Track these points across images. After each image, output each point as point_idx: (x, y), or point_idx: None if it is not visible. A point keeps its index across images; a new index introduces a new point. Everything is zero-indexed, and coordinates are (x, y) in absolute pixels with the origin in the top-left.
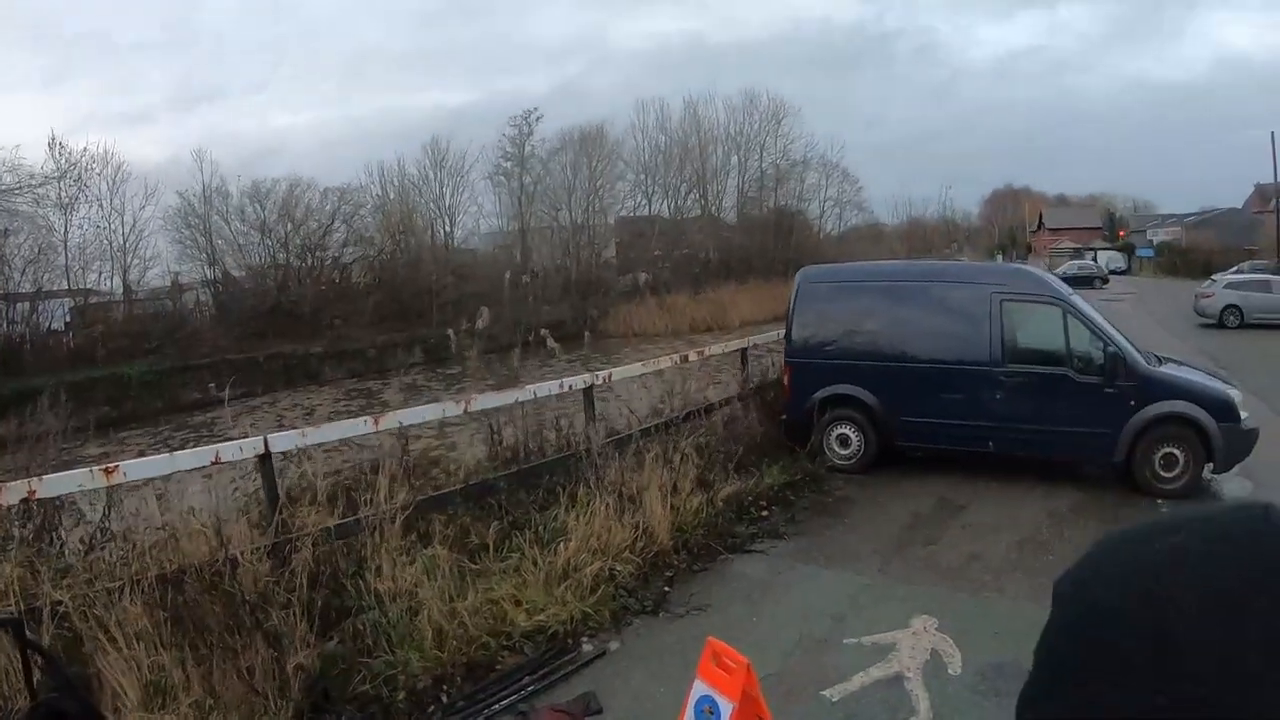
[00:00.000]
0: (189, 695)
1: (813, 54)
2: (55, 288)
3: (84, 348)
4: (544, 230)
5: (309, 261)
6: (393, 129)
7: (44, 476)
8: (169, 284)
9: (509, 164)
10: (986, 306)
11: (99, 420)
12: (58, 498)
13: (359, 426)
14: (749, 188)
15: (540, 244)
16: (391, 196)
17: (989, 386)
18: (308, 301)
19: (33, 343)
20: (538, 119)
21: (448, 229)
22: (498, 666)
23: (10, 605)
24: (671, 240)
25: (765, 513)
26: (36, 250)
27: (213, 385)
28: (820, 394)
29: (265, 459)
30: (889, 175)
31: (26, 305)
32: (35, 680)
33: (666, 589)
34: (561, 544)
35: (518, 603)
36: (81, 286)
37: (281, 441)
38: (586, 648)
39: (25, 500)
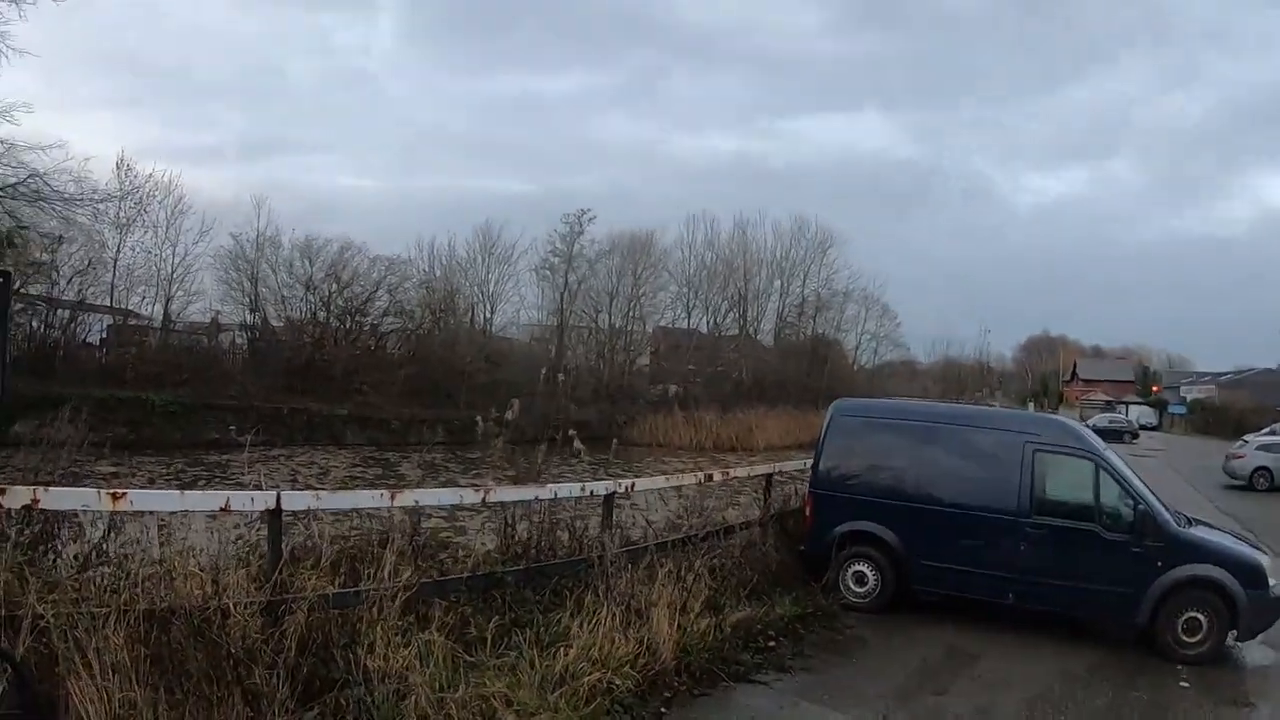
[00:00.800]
0: None
1: (865, 185)
2: (98, 303)
3: (114, 366)
4: (582, 329)
5: (348, 324)
6: (446, 208)
7: (50, 488)
8: (209, 321)
9: (556, 259)
10: (1018, 455)
11: (116, 440)
12: (60, 511)
13: (375, 499)
14: (789, 313)
15: (577, 342)
16: (438, 274)
17: (1013, 536)
18: (341, 363)
19: (66, 352)
20: (590, 219)
21: (488, 314)
22: None
23: None
24: (706, 356)
25: (773, 643)
26: (86, 263)
27: (233, 428)
28: (841, 528)
29: (275, 514)
30: (927, 310)
31: (67, 314)
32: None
33: (663, 710)
34: (562, 648)
35: (509, 702)
36: (123, 307)
37: (295, 500)
38: None
39: (28, 507)
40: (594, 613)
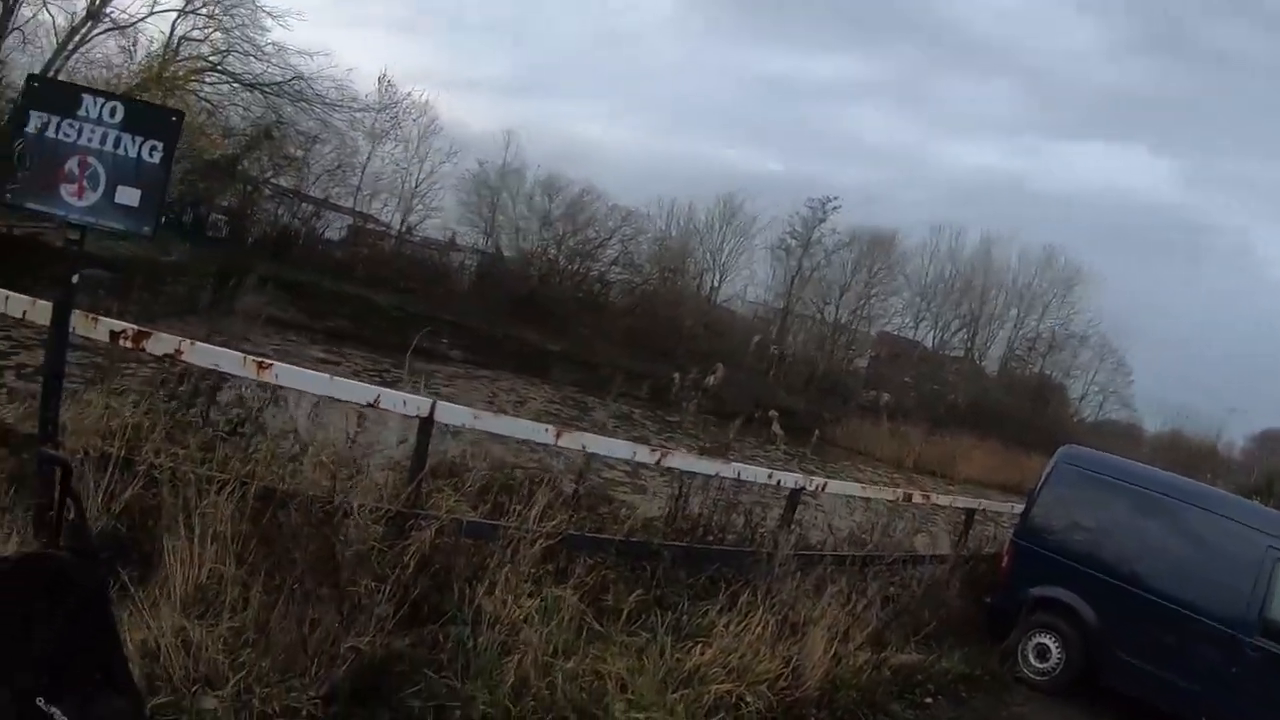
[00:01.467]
0: (234, 618)
1: (1121, 225)
2: (341, 204)
3: (347, 263)
4: (805, 318)
5: (576, 266)
6: (691, 172)
7: (197, 343)
8: (444, 239)
9: (793, 242)
10: (1257, 557)
11: (333, 330)
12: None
13: (538, 432)
14: (1019, 345)
15: (798, 330)
16: (673, 234)
17: (1229, 653)
18: (563, 302)
19: (305, 242)
20: (834, 208)
21: (715, 283)
22: None
23: (115, 446)
24: (925, 371)
25: (930, 699)
26: (336, 164)
27: (446, 342)
28: (1037, 590)
29: (427, 423)
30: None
31: (311, 208)
32: (62, 532)
33: None
34: (700, 645)
35: (624, 688)
36: (364, 211)
37: (450, 413)
38: None
39: (171, 356)
40: (746, 615)
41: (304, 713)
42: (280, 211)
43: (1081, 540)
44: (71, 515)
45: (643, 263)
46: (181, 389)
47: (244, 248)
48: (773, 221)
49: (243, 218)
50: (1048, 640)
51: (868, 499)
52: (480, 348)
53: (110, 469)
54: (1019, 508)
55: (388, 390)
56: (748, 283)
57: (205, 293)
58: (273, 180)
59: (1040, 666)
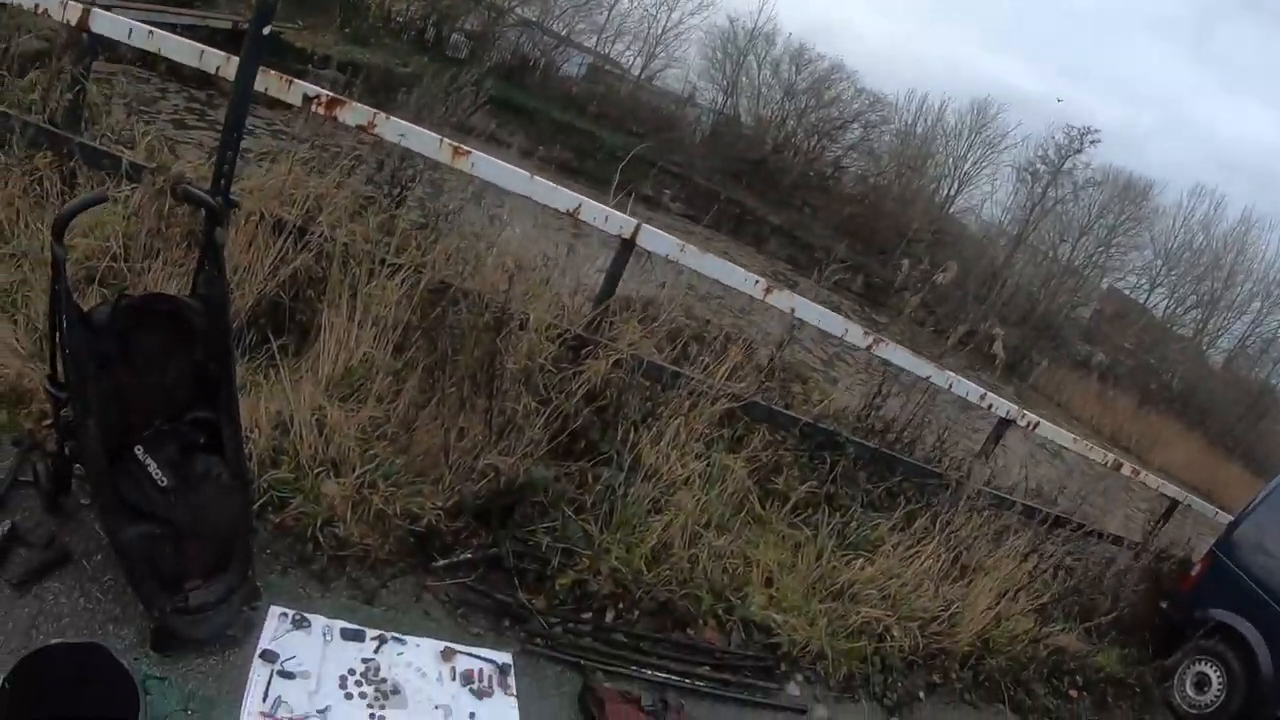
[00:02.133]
0: (377, 408)
1: None
2: (582, 42)
3: (581, 99)
4: (1037, 251)
5: (811, 144)
6: (949, 72)
7: (391, 118)
8: (681, 92)
9: (1042, 167)
10: None
11: (555, 160)
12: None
13: (748, 283)
14: (1253, 342)
15: (1027, 261)
16: (918, 131)
17: None
18: (792, 176)
19: (543, 73)
20: (1092, 141)
21: (952, 191)
22: (688, 629)
23: (292, 213)
24: (1147, 342)
25: (1074, 693)
26: (584, 2)
27: (668, 193)
28: (1219, 614)
29: (627, 246)
30: None
31: (552, 41)
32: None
33: (922, 696)
34: (862, 560)
35: (769, 582)
36: (605, 53)
37: (656, 241)
38: (793, 691)
39: (363, 128)
40: (918, 541)
41: (425, 520)
42: (521, 40)
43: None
44: (207, 267)
45: (880, 154)
46: (374, 170)
47: (481, 69)
48: (1024, 141)
49: (483, 41)
50: (1211, 671)
51: (1064, 455)
52: (700, 204)
53: (283, 235)
54: (1225, 516)
55: (591, 202)
56: (986, 199)
57: (435, 101)
58: (517, 9)
59: (1195, 698)
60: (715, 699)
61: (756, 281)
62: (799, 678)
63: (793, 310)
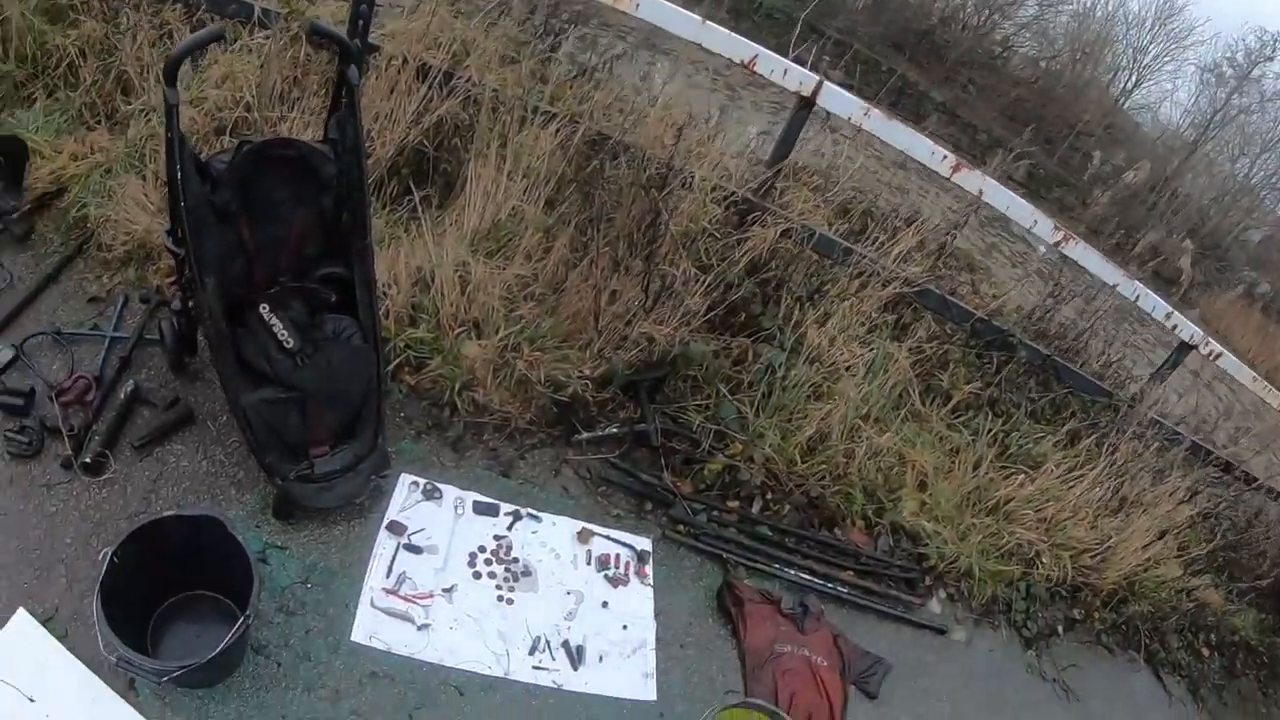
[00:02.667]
0: (525, 266)
1: None
2: None
3: None
4: (1210, 160)
5: (982, 19)
6: None
7: None
8: None
9: (1229, 71)
10: None
11: (707, 18)
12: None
13: (935, 157)
14: None
15: (1199, 171)
16: (1098, 14)
17: None
18: (958, 50)
19: None
20: None
21: (1128, 85)
22: (835, 529)
23: (439, 57)
24: None
25: (1206, 652)
26: None
27: (826, 59)
28: None
29: (805, 104)
30: None
31: None
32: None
33: (1057, 635)
34: (1022, 475)
35: (923, 486)
36: None
37: (839, 101)
38: (934, 608)
39: None
40: (1080, 464)
41: (570, 390)
42: None
43: None
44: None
45: (1055, 36)
46: (526, 14)
47: None
48: (1214, 39)
49: None
50: None
51: (1215, 387)
52: (860, 74)
53: (428, 81)
54: None
55: (769, 52)
56: (1164, 99)
57: None
58: None
59: None
60: (856, 608)
61: (945, 157)
62: (941, 594)
63: (980, 193)
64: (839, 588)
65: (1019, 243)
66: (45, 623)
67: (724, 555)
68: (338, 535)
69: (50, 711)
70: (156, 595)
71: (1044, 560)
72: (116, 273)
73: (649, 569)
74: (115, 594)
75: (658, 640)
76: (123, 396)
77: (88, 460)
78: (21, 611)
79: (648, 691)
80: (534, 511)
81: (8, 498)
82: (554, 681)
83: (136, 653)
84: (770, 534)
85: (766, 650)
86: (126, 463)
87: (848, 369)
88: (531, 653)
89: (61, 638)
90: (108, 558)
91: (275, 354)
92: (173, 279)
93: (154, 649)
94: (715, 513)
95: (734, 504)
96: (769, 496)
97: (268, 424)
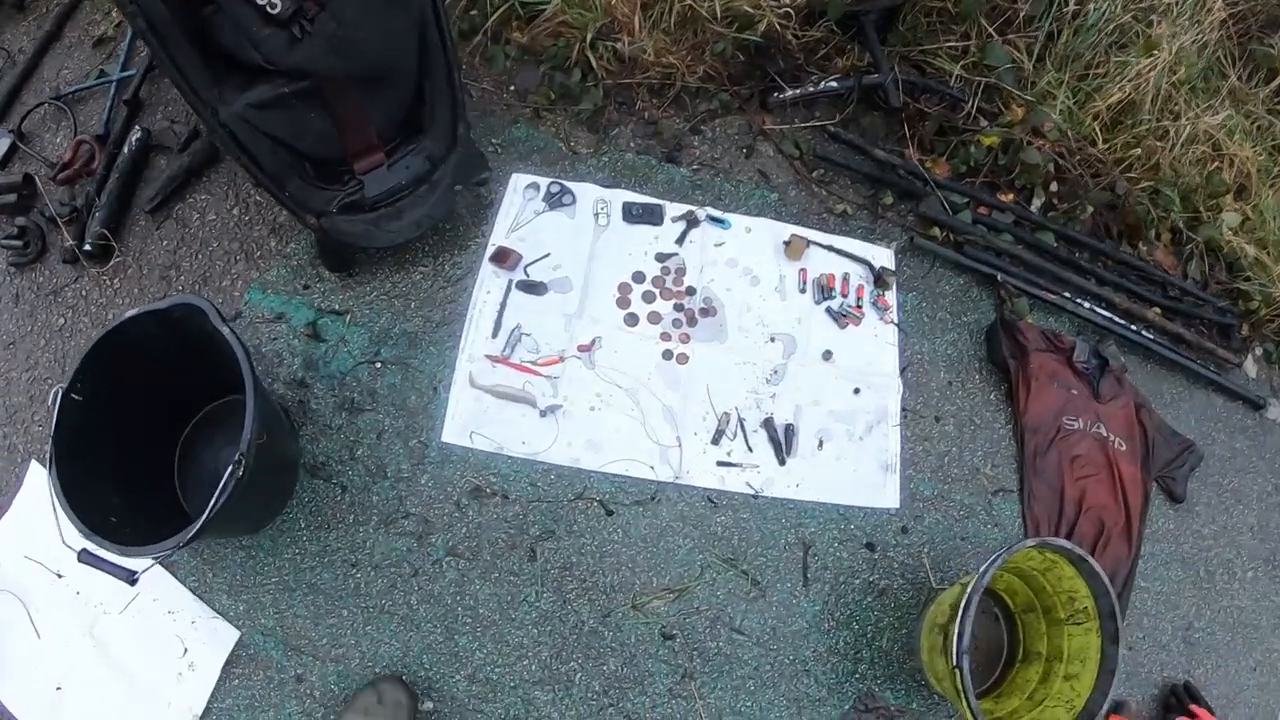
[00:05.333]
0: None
1: None
2: None
3: None
4: None
5: None
6: None
7: None
8: None
9: None
10: None
11: None
12: None
13: None
14: None
15: None
16: None
17: None
18: None
19: None
20: None
21: None
22: (1137, 244)
23: None
24: None
25: None
26: None
27: None
28: None
29: None
30: None
31: None
32: None
33: None
34: None
35: (1240, 192)
36: None
37: None
38: (1249, 370)
39: None
40: None
41: (762, 26)
42: None
43: None
44: None
45: None
46: None
47: None
48: None
49: None
50: None
51: None
52: None
53: None
54: None
55: None
56: None
57: None
58: None
59: None
60: (1161, 363)
61: None
62: (1258, 352)
63: None
64: (1144, 331)
65: None
66: None
67: (1000, 278)
68: (418, 282)
69: (80, 588)
70: (164, 423)
71: None
72: None
73: (891, 297)
74: (94, 443)
75: (903, 411)
76: (127, 151)
77: (89, 247)
78: (35, 466)
79: (887, 494)
80: (716, 213)
81: (13, 319)
82: (749, 484)
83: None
84: (1058, 243)
85: (1052, 425)
86: (140, 235)
87: (1164, 11)
88: (716, 440)
89: None
90: (56, 400)
91: (259, 30)
92: None
93: (185, 492)
94: (983, 210)
95: (1006, 196)
96: (1054, 188)
97: (272, 140)
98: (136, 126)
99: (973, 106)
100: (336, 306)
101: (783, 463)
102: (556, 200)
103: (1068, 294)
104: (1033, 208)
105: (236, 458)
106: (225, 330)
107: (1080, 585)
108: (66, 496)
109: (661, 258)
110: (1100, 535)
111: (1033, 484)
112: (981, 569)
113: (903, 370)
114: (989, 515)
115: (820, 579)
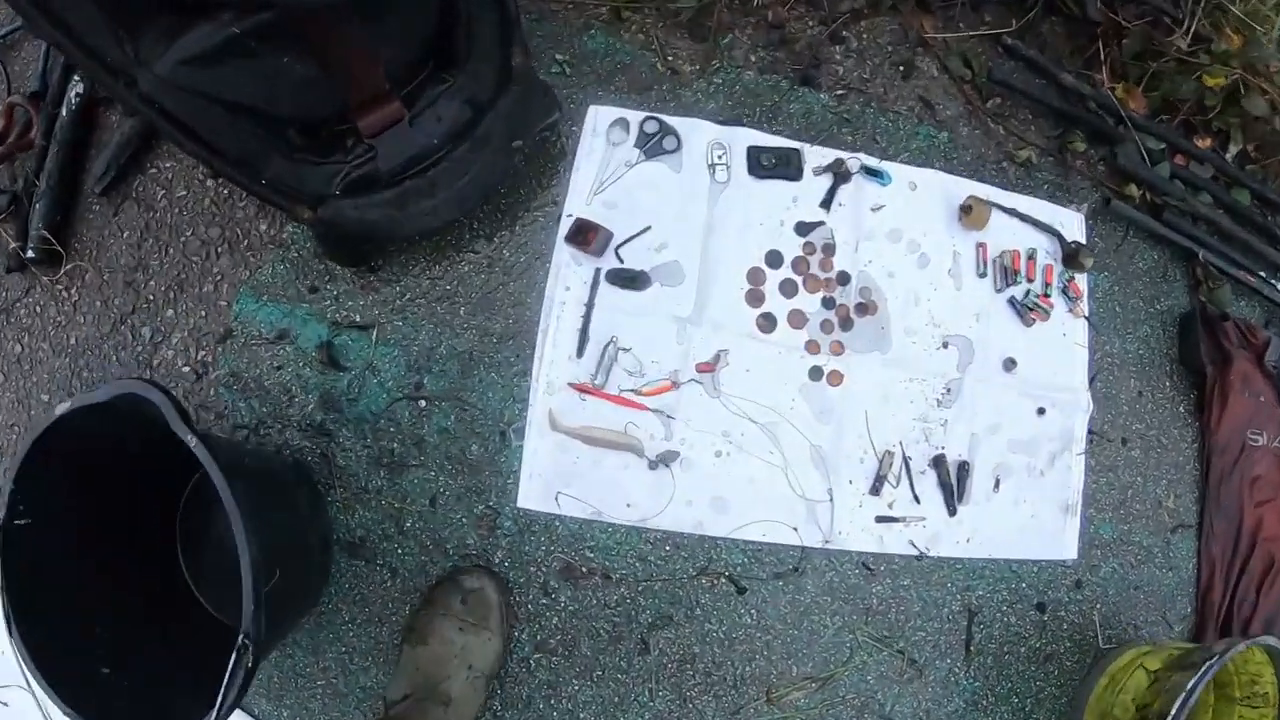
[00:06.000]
0: None
1: None
2: None
3: None
4: None
5: None
6: None
7: None
8: None
9: None
10: None
11: None
12: None
13: None
14: None
15: None
16: None
17: None
18: None
19: None
20: None
21: None
22: None
23: None
24: None
25: None
26: None
27: None
28: None
29: None
30: None
31: None
32: None
33: None
34: None
35: None
36: None
37: None
38: None
39: None
40: None
41: None
42: None
43: None
44: None
45: None
46: None
47: None
48: None
49: None
50: None
51: None
52: None
53: None
54: None
55: None
56: None
57: None
58: None
59: None
60: None
61: None
62: None
63: None
64: None
65: None
66: None
67: (1199, 253)
68: (467, 277)
69: None
70: (151, 500)
71: None
72: None
73: (1082, 281)
74: (60, 569)
75: (1089, 434)
76: (65, 112)
77: (31, 253)
78: None
79: (1065, 543)
80: (872, 162)
81: None
82: (913, 544)
83: None
84: (1260, 206)
85: (1237, 443)
86: (95, 226)
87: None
88: (876, 490)
89: None
90: None
91: None
92: None
93: (196, 580)
94: (1179, 159)
95: (1205, 143)
96: (1255, 140)
97: (227, 107)
98: (75, 77)
99: (1191, 25)
100: (357, 318)
101: (953, 512)
102: (655, 145)
103: (1263, 273)
104: (1229, 154)
105: (240, 642)
106: (190, 441)
107: (1267, 671)
108: (38, 666)
109: (803, 229)
110: (1269, 572)
111: (1213, 519)
112: (1189, 685)
113: (1092, 380)
114: (1165, 558)
115: (984, 650)
